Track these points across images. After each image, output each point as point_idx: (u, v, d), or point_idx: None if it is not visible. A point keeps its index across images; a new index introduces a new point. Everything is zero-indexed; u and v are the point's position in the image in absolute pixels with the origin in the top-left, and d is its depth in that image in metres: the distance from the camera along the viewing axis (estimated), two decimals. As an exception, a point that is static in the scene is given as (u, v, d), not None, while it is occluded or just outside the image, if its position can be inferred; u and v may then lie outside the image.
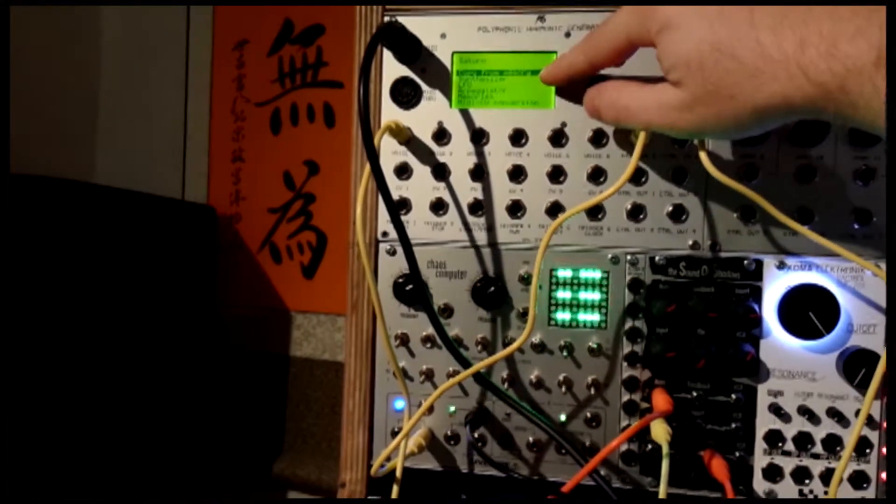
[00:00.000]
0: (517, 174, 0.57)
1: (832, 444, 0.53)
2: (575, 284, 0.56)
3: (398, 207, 0.58)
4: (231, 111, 1.40)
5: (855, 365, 0.51)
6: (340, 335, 1.30)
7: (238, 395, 1.37)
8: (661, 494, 0.49)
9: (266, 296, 1.37)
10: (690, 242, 0.55)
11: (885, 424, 0.52)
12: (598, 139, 0.55)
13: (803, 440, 0.53)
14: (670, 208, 0.55)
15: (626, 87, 0.49)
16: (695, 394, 0.55)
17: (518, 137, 0.57)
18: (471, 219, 0.58)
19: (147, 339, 1.15)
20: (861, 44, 0.37)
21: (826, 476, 0.53)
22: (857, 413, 0.52)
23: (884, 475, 0.53)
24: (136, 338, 1.12)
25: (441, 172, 0.58)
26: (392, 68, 0.58)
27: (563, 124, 0.56)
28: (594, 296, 0.56)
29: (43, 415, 0.92)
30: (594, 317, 0.56)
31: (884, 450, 0.53)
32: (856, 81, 0.37)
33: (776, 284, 0.54)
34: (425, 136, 0.58)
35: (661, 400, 0.53)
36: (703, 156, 0.51)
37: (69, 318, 0.97)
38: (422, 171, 0.58)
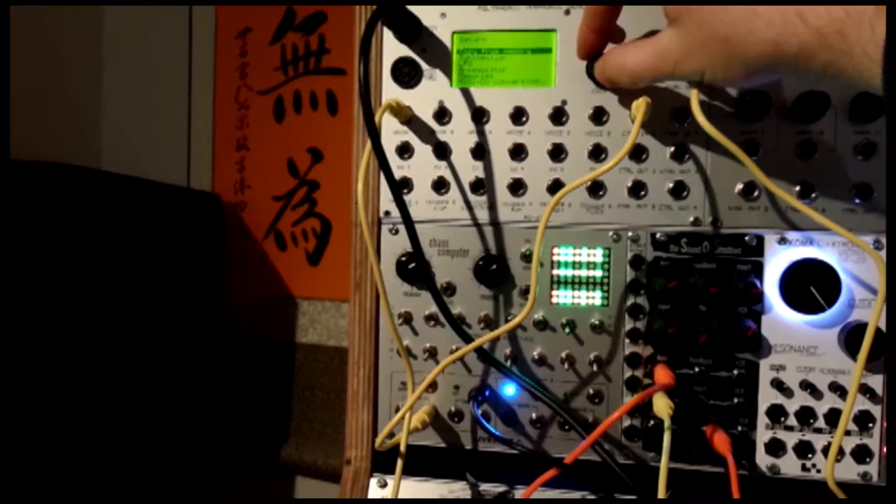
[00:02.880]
0: (518, 152, 0.57)
1: (834, 419, 0.53)
2: (576, 262, 0.57)
3: (400, 187, 0.58)
4: (234, 99, 1.40)
5: (856, 339, 0.51)
6: (345, 321, 1.30)
7: (244, 382, 1.38)
8: (663, 469, 0.49)
9: (271, 283, 1.37)
10: (691, 219, 0.55)
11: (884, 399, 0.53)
12: (598, 116, 0.55)
13: (805, 415, 0.54)
14: (671, 185, 0.55)
15: (628, 48, 0.50)
16: (697, 369, 0.55)
17: (519, 116, 0.57)
18: (472, 197, 0.58)
19: (152, 328, 1.16)
20: None
21: (829, 450, 0.53)
22: (860, 387, 0.53)
23: (884, 449, 0.53)
24: (142, 326, 1.13)
25: (442, 151, 0.58)
26: (392, 48, 0.58)
27: (564, 102, 0.56)
28: (596, 273, 0.56)
29: (50, 402, 0.93)
30: (596, 294, 0.56)
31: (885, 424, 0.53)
32: (855, 26, 0.37)
33: (777, 260, 0.54)
34: (426, 116, 0.58)
35: (663, 375, 0.54)
36: (693, 94, 0.51)
37: (75, 307, 0.98)
38: (423, 151, 0.58)
